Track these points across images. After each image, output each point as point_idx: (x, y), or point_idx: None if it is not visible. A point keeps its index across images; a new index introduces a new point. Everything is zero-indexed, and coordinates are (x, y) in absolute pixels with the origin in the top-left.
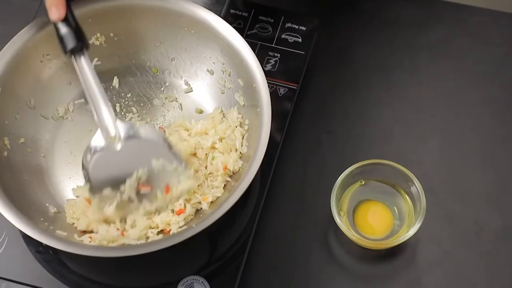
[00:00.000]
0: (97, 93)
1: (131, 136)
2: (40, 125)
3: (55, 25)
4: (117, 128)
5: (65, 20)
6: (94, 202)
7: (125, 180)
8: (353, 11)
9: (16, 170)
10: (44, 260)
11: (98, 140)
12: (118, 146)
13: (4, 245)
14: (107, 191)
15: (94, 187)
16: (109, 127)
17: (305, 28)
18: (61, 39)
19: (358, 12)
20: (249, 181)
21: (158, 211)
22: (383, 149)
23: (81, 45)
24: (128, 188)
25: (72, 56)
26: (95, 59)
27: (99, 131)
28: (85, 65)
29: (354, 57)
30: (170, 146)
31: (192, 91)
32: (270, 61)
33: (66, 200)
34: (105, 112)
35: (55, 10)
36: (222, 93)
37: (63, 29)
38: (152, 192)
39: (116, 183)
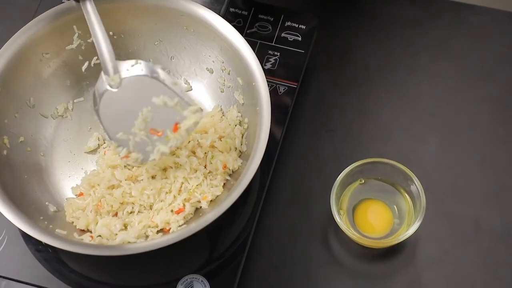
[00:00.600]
0: (99, 35)
1: (130, 74)
2: (40, 124)
3: None
4: (116, 67)
5: None
6: (112, 148)
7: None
8: (353, 10)
9: (15, 169)
10: (44, 258)
11: (101, 83)
12: (119, 85)
13: (4, 243)
14: (120, 135)
15: (109, 132)
16: (108, 66)
17: (305, 27)
18: None
19: (358, 10)
20: (249, 179)
21: (172, 151)
22: (383, 148)
23: None
24: (137, 129)
25: (80, 2)
26: (95, 58)
27: (102, 74)
28: (90, 10)
29: (353, 56)
30: (170, 81)
31: (191, 89)
32: (270, 59)
33: (66, 199)
34: (105, 52)
35: None
36: (221, 91)
37: None
38: (163, 134)
39: (127, 126)
